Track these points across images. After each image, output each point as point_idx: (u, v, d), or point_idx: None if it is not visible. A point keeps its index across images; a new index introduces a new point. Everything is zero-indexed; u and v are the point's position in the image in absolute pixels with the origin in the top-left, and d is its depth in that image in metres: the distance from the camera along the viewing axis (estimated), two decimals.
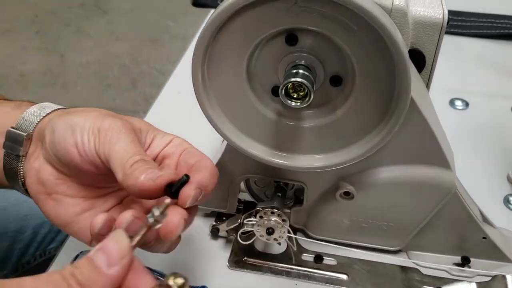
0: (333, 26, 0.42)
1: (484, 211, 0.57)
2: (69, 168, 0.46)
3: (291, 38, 0.44)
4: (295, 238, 0.57)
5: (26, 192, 0.49)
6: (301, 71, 0.44)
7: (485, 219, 0.57)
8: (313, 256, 0.59)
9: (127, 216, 0.40)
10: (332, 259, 0.58)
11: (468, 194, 0.56)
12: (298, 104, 0.44)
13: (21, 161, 0.48)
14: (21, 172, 0.48)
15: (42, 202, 0.47)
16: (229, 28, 0.43)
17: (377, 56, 0.43)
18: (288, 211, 0.58)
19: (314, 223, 0.58)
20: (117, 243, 0.35)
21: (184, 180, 0.41)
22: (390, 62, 0.42)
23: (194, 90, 0.46)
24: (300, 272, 0.57)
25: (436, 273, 0.57)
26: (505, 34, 0.99)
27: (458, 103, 0.83)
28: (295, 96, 0.44)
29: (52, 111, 0.50)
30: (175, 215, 0.40)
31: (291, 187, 0.58)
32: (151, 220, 0.37)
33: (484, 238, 0.56)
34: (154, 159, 0.46)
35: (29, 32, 2.68)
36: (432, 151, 0.50)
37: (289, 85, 0.43)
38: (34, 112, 0.49)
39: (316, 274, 0.57)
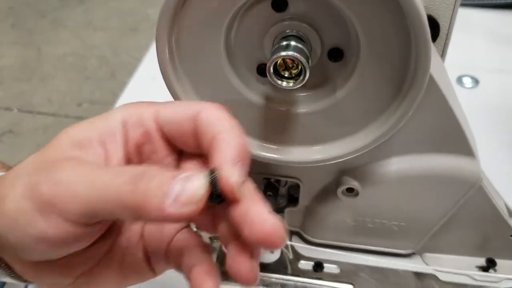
0: None
1: (510, 204, 0.50)
2: None
3: (278, 2, 0.36)
4: (291, 244, 0.50)
5: None
6: (292, 43, 0.36)
7: None
8: (312, 263, 0.52)
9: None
10: (335, 266, 0.52)
11: (493, 185, 0.48)
12: (291, 84, 0.36)
13: None
14: None
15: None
16: None
17: (388, 21, 0.34)
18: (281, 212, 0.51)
19: (312, 224, 0.51)
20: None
21: (215, 176, 0.28)
22: (404, 27, 0.34)
23: (161, 70, 0.38)
24: (298, 283, 0.50)
25: (456, 279, 0.50)
26: None
27: (467, 81, 0.76)
28: (286, 75, 0.36)
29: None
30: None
31: (283, 184, 0.51)
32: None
33: None
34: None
35: (4, 25, 2.62)
36: (453, 137, 0.43)
37: (279, 61, 0.35)
38: None
39: (316, 285, 0.50)
